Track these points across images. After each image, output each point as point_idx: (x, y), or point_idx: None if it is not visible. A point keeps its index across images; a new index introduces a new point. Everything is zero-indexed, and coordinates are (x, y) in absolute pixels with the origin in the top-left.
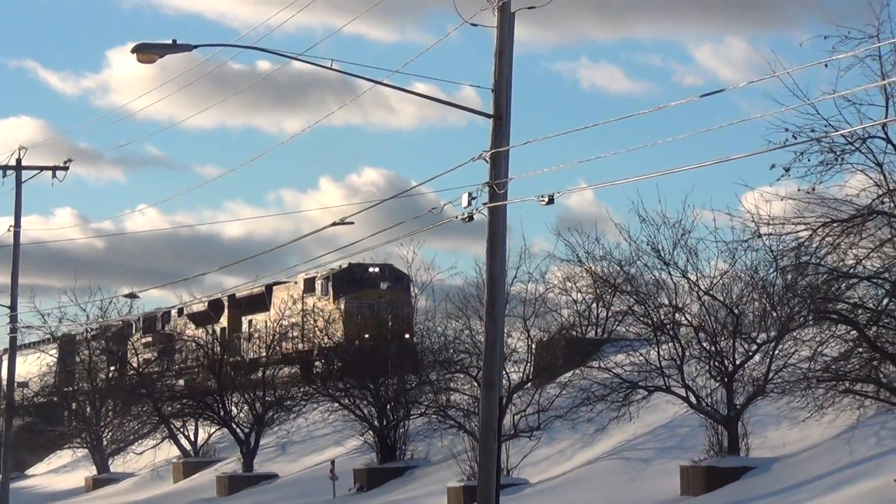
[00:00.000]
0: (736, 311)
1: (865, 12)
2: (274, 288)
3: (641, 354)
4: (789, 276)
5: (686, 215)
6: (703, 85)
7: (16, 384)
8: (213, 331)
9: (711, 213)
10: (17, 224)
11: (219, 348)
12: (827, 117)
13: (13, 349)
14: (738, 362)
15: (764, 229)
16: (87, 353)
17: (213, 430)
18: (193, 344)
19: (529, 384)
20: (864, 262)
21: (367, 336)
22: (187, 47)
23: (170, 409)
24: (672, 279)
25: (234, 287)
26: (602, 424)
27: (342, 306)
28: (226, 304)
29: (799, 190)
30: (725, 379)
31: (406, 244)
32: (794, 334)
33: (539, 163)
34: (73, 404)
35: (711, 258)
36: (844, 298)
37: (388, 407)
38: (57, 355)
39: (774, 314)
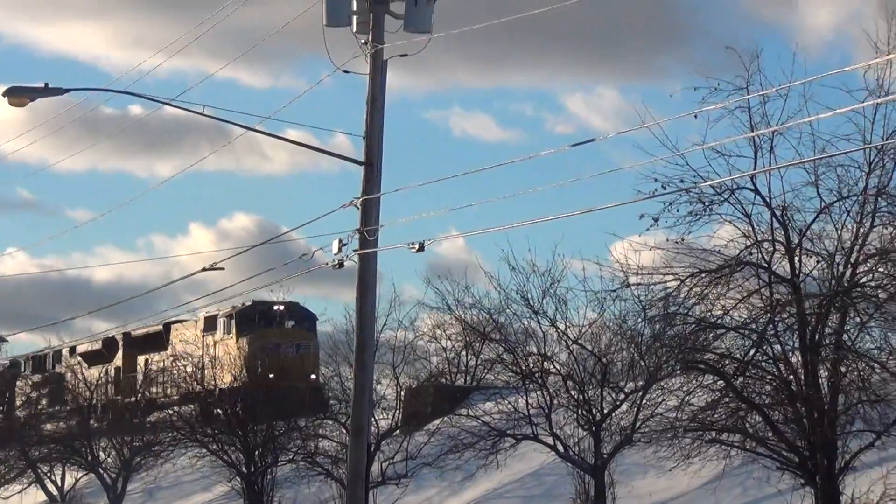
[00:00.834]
0: (604, 360)
1: (735, 65)
2: (172, 326)
3: (510, 402)
4: (657, 326)
5: (555, 264)
6: (574, 134)
7: None
8: (107, 371)
9: (581, 262)
10: None
11: (112, 389)
12: (696, 168)
13: None
14: (605, 411)
15: (633, 279)
16: None
17: (79, 475)
18: (83, 384)
19: (398, 431)
20: (731, 312)
21: (270, 376)
22: (59, 91)
23: (37, 453)
24: (541, 328)
25: (131, 326)
26: (470, 472)
27: (245, 345)
28: (120, 342)
29: (668, 240)
30: (593, 428)
31: (276, 290)
32: (662, 384)
33: (410, 210)
34: None
35: (580, 307)
36: (712, 349)
37: (257, 453)
38: None
39: (642, 364)
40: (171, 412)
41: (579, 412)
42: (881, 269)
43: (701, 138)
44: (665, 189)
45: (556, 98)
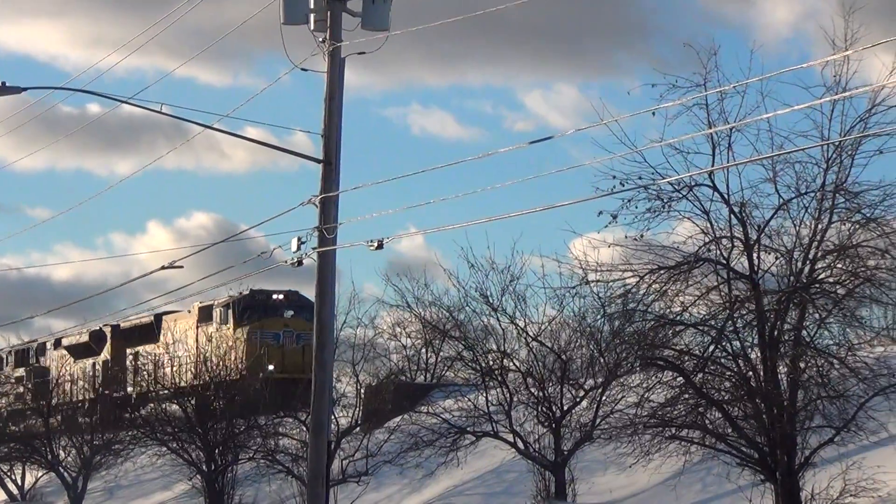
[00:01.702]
0: (564, 357)
1: (693, 61)
2: (164, 317)
3: (470, 400)
4: (617, 323)
5: (514, 261)
6: (533, 131)
7: None
8: (94, 364)
9: (540, 259)
10: None
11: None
12: (654, 165)
13: None
14: (565, 408)
15: (591, 276)
16: None
17: (40, 474)
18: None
19: (358, 429)
20: (690, 309)
21: (270, 368)
22: (16, 89)
23: None
24: (500, 325)
25: (119, 314)
26: (430, 470)
27: (243, 335)
28: (108, 334)
29: (626, 237)
30: (553, 425)
31: (235, 288)
32: (622, 380)
33: (369, 207)
34: None
35: (539, 304)
36: (671, 345)
37: (217, 451)
38: None
39: (602, 360)
40: (136, 412)
41: (539, 409)
42: (839, 266)
43: (659, 135)
44: (623, 186)
45: (514, 95)
